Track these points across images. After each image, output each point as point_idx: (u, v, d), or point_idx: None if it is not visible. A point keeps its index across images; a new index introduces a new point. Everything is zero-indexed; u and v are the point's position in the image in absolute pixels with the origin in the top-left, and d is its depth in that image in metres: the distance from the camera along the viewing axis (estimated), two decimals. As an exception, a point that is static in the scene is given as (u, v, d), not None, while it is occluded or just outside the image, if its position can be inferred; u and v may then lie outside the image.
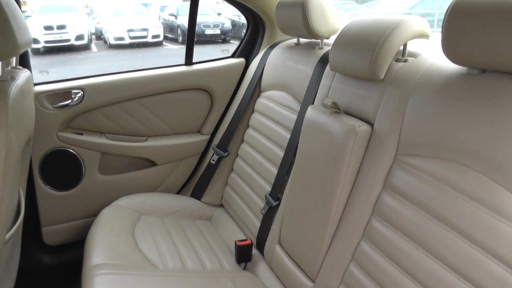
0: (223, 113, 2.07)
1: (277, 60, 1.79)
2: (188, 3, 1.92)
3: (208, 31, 11.92)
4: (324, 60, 1.52)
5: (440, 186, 0.92)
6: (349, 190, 1.18)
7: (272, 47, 1.90)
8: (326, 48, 1.60)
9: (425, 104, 1.02)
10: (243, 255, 1.56)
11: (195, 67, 2.01)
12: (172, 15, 12.79)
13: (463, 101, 0.93)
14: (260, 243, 1.57)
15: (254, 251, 1.61)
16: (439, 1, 9.42)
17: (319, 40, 1.63)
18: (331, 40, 1.61)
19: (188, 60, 2.01)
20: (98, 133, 1.90)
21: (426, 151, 0.99)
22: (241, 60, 2.08)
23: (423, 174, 0.98)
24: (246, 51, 2.10)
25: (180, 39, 12.18)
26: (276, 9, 1.70)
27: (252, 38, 2.10)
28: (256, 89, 1.88)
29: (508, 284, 0.77)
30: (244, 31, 2.13)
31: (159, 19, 12.77)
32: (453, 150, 0.92)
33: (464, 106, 0.92)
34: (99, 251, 1.45)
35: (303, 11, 1.52)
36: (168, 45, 11.87)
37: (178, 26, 12.26)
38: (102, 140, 1.89)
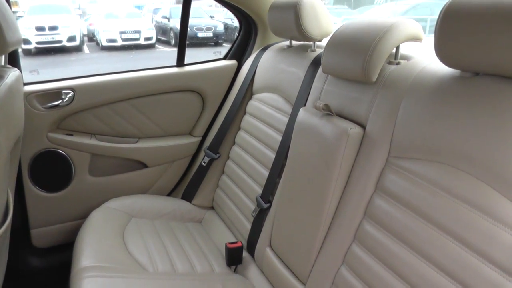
0: (215, 115, 2.06)
1: (269, 62, 1.78)
2: (181, 5, 1.92)
3: (200, 34, 11.91)
4: (316, 63, 1.51)
5: (433, 189, 0.92)
6: (340, 193, 1.18)
7: (264, 49, 1.89)
8: (319, 51, 1.59)
9: (417, 107, 1.02)
10: (233, 257, 1.55)
11: (187, 68, 1.99)
12: (165, 17, 12.78)
13: (456, 104, 0.93)
14: (251, 246, 1.56)
15: (245, 253, 1.60)
16: (431, 6, 9.49)
17: (311, 43, 1.63)
18: (324, 42, 1.61)
19: (180, 62, 2.00)
20: (89, 134, 1.88)
21: (418, 154, 0.99)
22: (233, 62, 2.07)
23: (415, 177, 0.97)
24: (238, 53, 2.10)
25: (173, 41, 12.18)
26: (269, 11, 1.69)
27: (245, 40, 2.10)
28: (248, 91, 1.87)
29: None
30: (237, 34, 2.13)
31: (152, 22, 12.75)
32: (446, 153, 0.92)
33: (457, 109, 0.92)
34: (88, 254, 1.43)
35: (296, 13, 1.51)
36: (160, 48, 11.85)
37: (171, 28, 12.25)
38: (93, 141, 1.87)
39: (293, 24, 1.54)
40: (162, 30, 12.59)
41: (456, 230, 0.86)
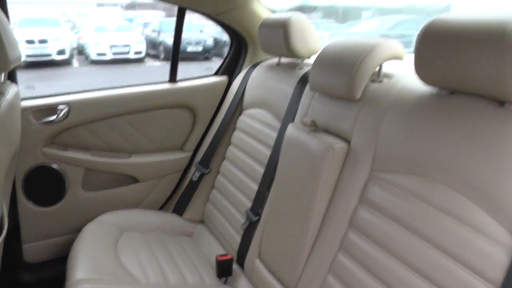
0: (206, 130, 2.11)
1: (259, 79, 1.84)
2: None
3: (190, 48, 11.93)
4: (304, 80, 1.57)
5: (413, 200, 0.98)
6: (326, 205, 1.23)
7: (254, 66, 1.95)
8: (306, 68, 1.65)
9: (399, 123, 1.08)
10: (223, 269, 1.58)
11: (179, 84, 2.05)
12: (155, 31, 12.79)
13: (433, 121, 0.99)
14: (241, 258, 1.60)
15: (235, 265, 1.63)
16: (417, 21, 9.68)
17: (299, 60, 1.69)
18: (311, 60, 1.67)
19: (172, 77, 2.05)
20: (83, 149, 1.92)
21: (400, 167, 1.04)
22: (224, 78, 2.12)
23: (397, 189, 1.03)
24: (229, 69, 2.15)
25: (162, 55, 12.17)
26: (259, 29, 1.75)
27: (235, 56, 2.15)
28: (238, 107, 1.92)
29: None
30: (227, 49, 2.18)
31: (142, 35, 12.77)
32: (425, 166, 0.98)
33: (435, 125, 0.99)
34: (82, 266, 1.46)
35: (285, 31, 1.57)
36: (150, 62, 11.87)
37: (161, 42, 12.26)
38: (86, 156, 1.90)
39: (282, 41, 1.59)
40: (152, 44, 12.62)
41: (434, 237, 0.92)
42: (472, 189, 0.88)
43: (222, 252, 1.74)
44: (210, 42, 12.03)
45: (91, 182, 1.95)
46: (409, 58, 1.24)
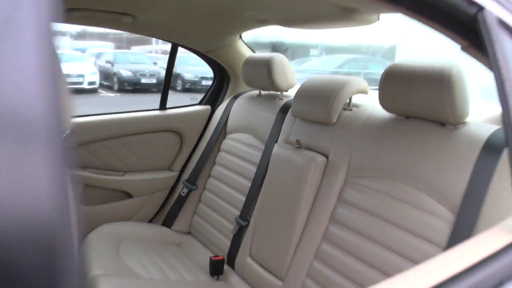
0: (192, 152, 2.37)
1: (241, 107, 2.14)
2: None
3: (144, 80, 11.99)
4: (284, 109, 1.88)
5: (380, 196, 1.31)
6: (310, 206, 1.53)
7: (236, 97, 2.24)
8: (286, 99, 1.96)
9: (367, 141, 1.42)
10: (216, 269, 1.83)
11: (168, 111, 2.32)
12: (109, 62, 12.80)
13: (394, 138, 1.34)
14: (231, 259, 1.85)
15: (225, 267, 1.88)
16: (364, 60, 10.39)
17: (279, 92, 2.00)
18: (290, 92, 1.98)
19: (162, 106, 2.32)
20: (81, 167, 2.13)
21: (369, 173, 1.38)
22: (207, 107, 2.41)
23: (367, 189, 1.36)
24: (212, 99, 2.44)
25: (116, 87, 12.19)
26: (243, 65, 2.05)
27: (218, 88, 2.45)
28: (222, 131, 2.20)
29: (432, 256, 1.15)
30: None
31: (95, 66, 12.75)
32: (388, 171, 1.32)
33: (395, 142, 1.33)
34: (97, 265, 1.67)
35: (268, 67, 1.88)
36: (103, 93, 11.86)
37: (115, 73, 12.29)
38: (85, 173, 2.12)
39: (266, 76, 1.90)
40: (105, 75, 12.60)
41: (397, 221, 1.25)
42: (423, 184, 1.22)
43: (211, 255, 1.98)
44: (163, 74, 12.11)
45: (89, 197, 2.16)
46: (372, 93, 1.61)
